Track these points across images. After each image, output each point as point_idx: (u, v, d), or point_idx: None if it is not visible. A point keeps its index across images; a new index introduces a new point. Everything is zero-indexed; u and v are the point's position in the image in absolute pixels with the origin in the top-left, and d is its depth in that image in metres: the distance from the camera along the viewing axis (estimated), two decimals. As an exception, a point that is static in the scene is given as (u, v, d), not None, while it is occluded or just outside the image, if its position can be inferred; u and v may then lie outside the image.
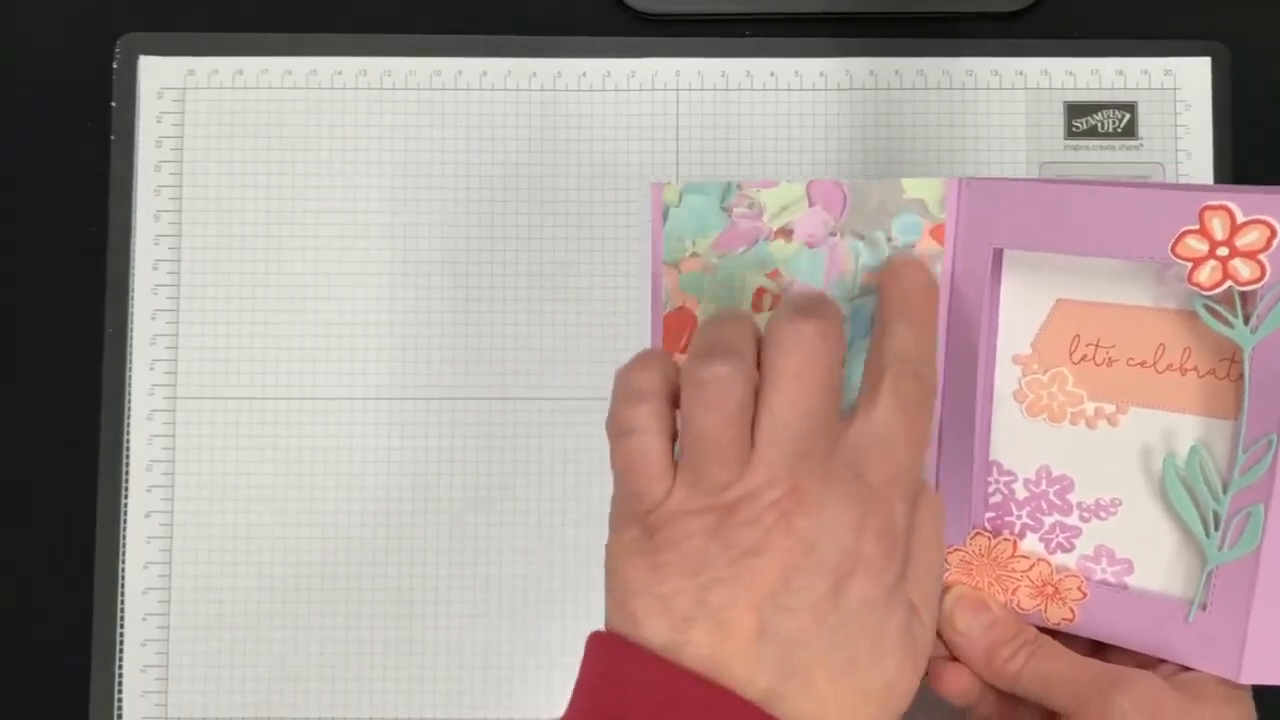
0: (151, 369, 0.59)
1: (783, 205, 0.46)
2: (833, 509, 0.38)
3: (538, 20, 0.60)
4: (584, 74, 0.60)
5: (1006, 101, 0.60)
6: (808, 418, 0.38)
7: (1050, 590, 0.46)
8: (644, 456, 0.38)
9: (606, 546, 0.40)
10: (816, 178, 0.51)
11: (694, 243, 0.46)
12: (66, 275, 0.60)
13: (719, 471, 0.37)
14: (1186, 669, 0.43)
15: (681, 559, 0.37)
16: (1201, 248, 0.40)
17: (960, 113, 0.60)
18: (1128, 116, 0.59)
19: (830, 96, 0.60)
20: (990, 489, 0.47)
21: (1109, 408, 0.45)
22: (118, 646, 0.58)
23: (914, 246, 0.46)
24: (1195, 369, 0.43)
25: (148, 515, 0.58)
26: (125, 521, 0.58)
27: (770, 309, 0.47)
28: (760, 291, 0.47)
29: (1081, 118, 0.59)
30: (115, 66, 0.60)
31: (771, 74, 0.60)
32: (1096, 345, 0.44)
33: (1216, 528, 0.42)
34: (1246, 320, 0.40)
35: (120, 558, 0.58)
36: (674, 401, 0.39)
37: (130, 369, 0.59)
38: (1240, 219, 0.39)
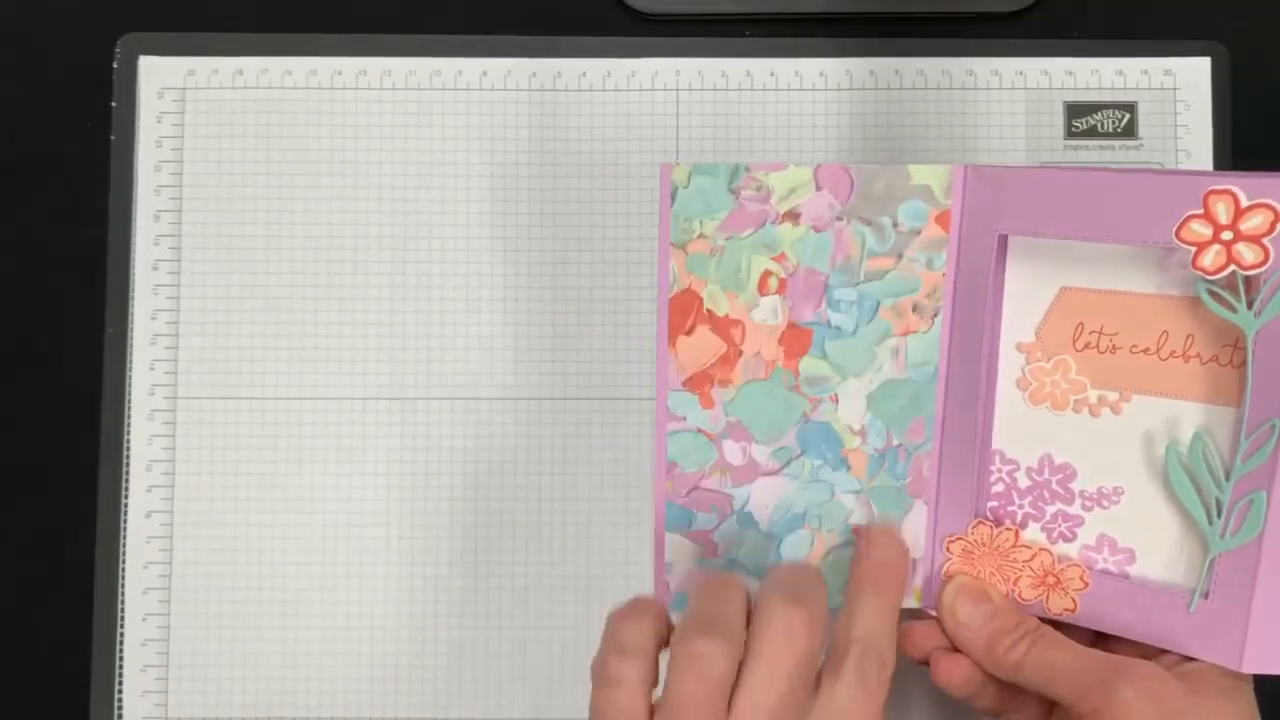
0: (151, 369, 0.59)
1: (790, 188, 0.46)
2: None
3: (538, 20, 0.60)
4: (584, 74, 0.60)
5: (1006, 101, 0.60)
6: (781, 704, 0.40)
7: (1052, 580, 0.46)
8: (623, 712, 0.40)
9: None
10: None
11: (701, 224, 0.46)
12: (66, 275, 0.60)
13: None
14: (1188, 659, 0.43)
15: None
16: (1205, 232, 0.40)
17: (960, 113, 0.60)
18: (1127, 116, 0.60)
19: (830, 96, 0.60)
20: (993, 478, 0.47)
21: (1112, 395, 0.45)
22: (118, 647, 0.58)
23: (919, 232, 0.46)
24: (1198, 356, 0.43)
25: (148, 515, 0.58)
26: (125, 521, 0.58)
27: (775, 292, 0.47)
28: (766, 274, 0.47)
29: (1081, 118, 0.60)
30: (115, 66, 0.60)
31: (771, 74, 0.60)
32: (1100, 333, 0.44)
33: (1219, 515, 0.42)
34: (1250, 305, 0.40)
35: (120, 558, 0.58)
36: (661, 647, 0.42)
37: (130, 369, 0.59)
38: (1244, 203, 0.39)
